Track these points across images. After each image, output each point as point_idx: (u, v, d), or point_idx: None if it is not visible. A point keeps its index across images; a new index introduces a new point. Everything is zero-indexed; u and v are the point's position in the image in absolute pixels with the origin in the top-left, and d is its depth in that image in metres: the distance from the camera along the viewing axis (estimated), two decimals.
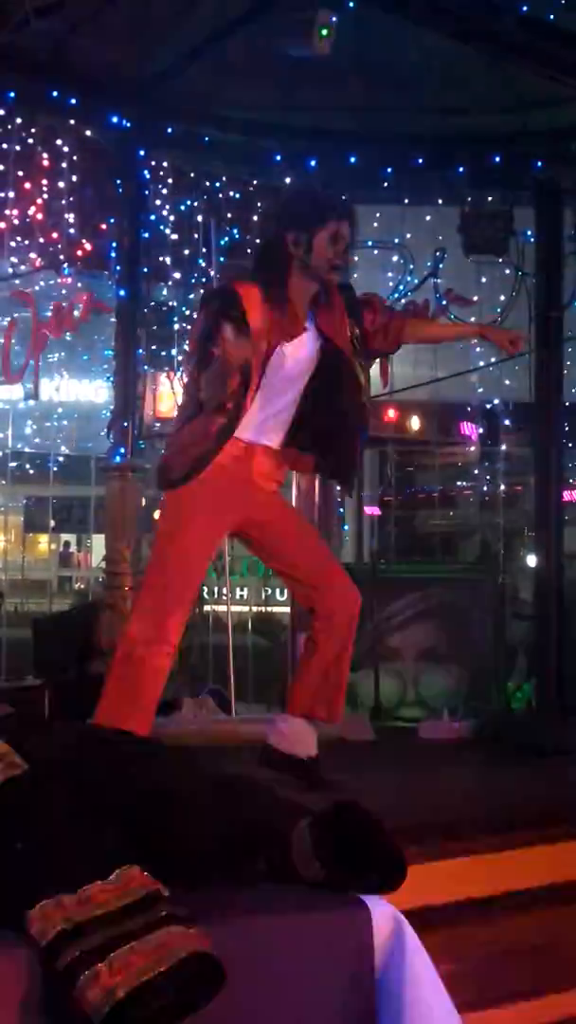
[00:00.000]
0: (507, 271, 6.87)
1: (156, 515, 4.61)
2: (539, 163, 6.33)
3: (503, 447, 9.28)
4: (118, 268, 6.13)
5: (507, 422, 8.84)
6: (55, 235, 6.14)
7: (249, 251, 6.59)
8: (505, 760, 4.76)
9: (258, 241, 6.36)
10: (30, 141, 5.89)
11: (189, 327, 6.86)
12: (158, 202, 6.34)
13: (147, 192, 6.21)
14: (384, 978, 1.97)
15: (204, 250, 6.57)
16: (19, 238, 6.13)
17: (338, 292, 3.84)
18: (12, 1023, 1.70)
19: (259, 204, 6.57)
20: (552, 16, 5.08)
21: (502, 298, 7.00)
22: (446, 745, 5.22)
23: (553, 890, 3.39)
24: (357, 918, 1.99)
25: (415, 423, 10.30)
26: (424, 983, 1.98)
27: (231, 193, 6.54)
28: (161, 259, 6.45)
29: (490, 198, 6.52)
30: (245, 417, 3.63)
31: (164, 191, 6.37)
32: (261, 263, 3.84)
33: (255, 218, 6.59)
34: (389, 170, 6.41)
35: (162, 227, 6.39)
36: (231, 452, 3.64)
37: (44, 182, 6.00)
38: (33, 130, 5.87)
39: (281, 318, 3.65)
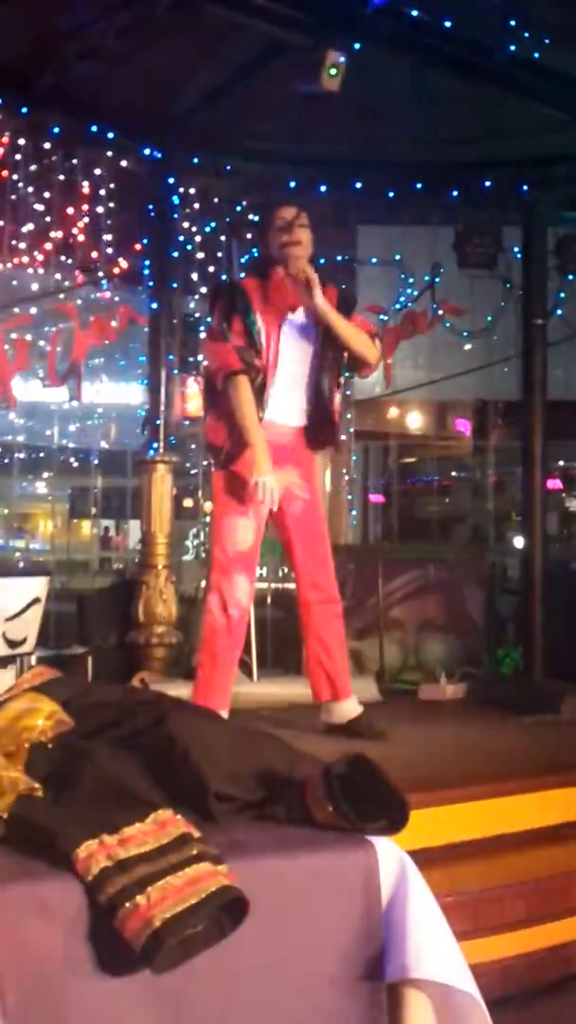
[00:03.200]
0: (497, 284, 6.82)
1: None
2: (525, 187, 6.29)
3: (493, 441, 9.26)
4: (151, 283, 6.11)
5: (497, 418, 8.84)
6: (95, 254, 6.13)
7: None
8: (495, 718, 4.74)
9: None
10: (72, 171, 5.87)
11: None
12: (186, 224, 6.31)
13: (176, 215, 6.18)
14: (390, 910, 1.97)
15: (227, 267, 6.54)
16: (63, 257, 6.11)
17: (335, 290, 3.86)
18: (62, 949, 1.71)
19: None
20: (537, 55, 5.04)
21: (492, 308, 6.95)
22: (443, 705, 5.21)
23: (540, 832, 3.39)
24: (366, 857, 1.98)
25: (414, 419, 10.25)
26: (426, 915, 1.98)
27: (250, 216, 6.50)
28: (189, 275, 6.42)
29: (481, 218, 6.46)
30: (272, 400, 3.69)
31: (191, 214, 6.34)
32: (256, 262, 3.95)
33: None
34: (391, 194, 6.37)
35: (189, 246, 6.36)
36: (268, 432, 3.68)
37: (84, 207, 5.98)
38: (75, 161, 5.85)
39: (276, 302, 3.69)
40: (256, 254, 6.47)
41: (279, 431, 3.78)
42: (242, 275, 4.80)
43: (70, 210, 5.95)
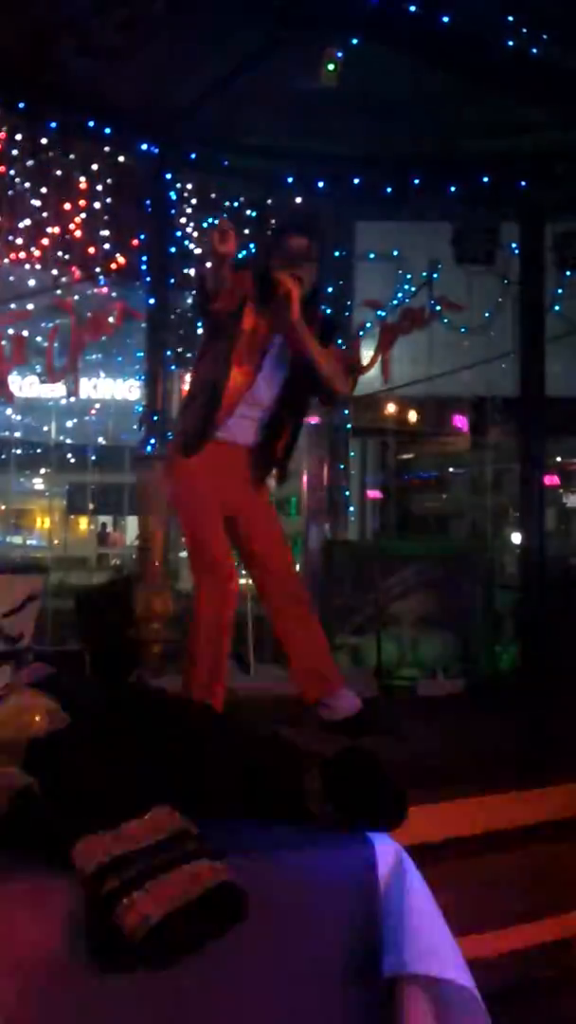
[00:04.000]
0: (495, 280, 6.82)
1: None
2: (523, 183, 6.29)
3: (491, 437, 9.27)
4: (148, 279, 6.11)
5: (495, 414, 8.83)
6: (92, 250, 6.12)
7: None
8: (493, 714, 4.75)
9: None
10: (70, 166, 5.86)
11: None
12: (183, 220, 6.32)
13: (174, 211, 6.19)
14: (387, 906, 1.97)
15: None
16: (60, 253, 6.11)
17: (319, 315, 3.79)
18: (60, 947, 1.71)
19: (273, 221, 6.53)
20: (535, 50, 5.03)
21: (490, 303, 6.96)
22: (441, 701, 5.21)
23: (537, 828, 3.39)
24: (364, 853, 1.98)
25: (412, 415, 10.25)
26: (424, 911, 1.98)
27: (248, 212, 6.50)
28: (186, 271, 6.41)
29: (479, 214, 6.46)
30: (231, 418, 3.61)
31: (189, 210, 6.34)
32: (262, 259, 3.82)
33: (269, 234, 6.56)
34: (389, 190, 6.38)
35: (187, 242, 6.37)
36: (214, 450, 3.61)
37: (82, 203, 5.98)
38: (72, 156, 5.85)
39: (274, 307, 3.58)
40: (254, 251, 6.49)
41: (230, 449, 3.70)
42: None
43: (67, 206, 5.95)
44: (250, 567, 3.90)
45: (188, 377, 6.86)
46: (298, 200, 6.39)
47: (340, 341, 3.89)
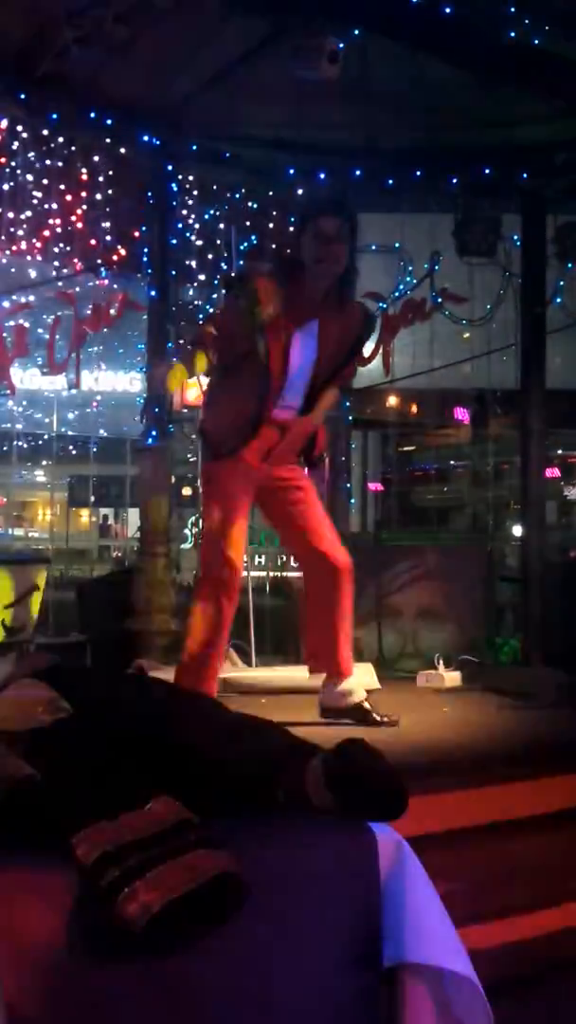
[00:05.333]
0: (496, 271, 6.81)
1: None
2: (524, 174, 6.27)
3: (492, 429, 9.26)
4: (149, 271, 6.10)
5: (496, 407, 8.82)
6: (93, 242, 6.11)
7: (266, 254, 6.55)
8: (493, 706, 4.75)
9: (274, 246, 6.33)
10: (70, 158, 5.84)
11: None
12: (184, 212, 6.30)
13: (175, 203, 6.16)
14: (388, 896, 1.97)
15: (226, 254, 6.52)
16: (62, 245, 6.09)
17: (360, 314, 3.87)
18: (61, 936, 1.71)
19: (274, 212, 6.52)
20: (537, 41, 5.01)
21: (492, 295, 6.94)
22: (441, 692, 5.21)
23: (538, 819, 3.39)
24: (364, 843, 1.98)
25: (413, 408, 10.24)
26: (424, 900, 1.98)
27: (249, 203, 6.48)
28: (188, 263, 6.40)
29: (481, 206, 6.44)
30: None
31: (190, 202, 6.32)
32: (281, 262, 3.84)
33: (271, 225, 6.55)
34: (390, 182, 6.35)
35: (188, 234, 6.35)
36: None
37: (83, 194, 5.96)
38: (73, 148, 5.83)
39: (297, 304, 3.66)
40: (256, 242, 6.48)
41: (274, 429, 3.78)
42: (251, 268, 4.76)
43: (68, 197, 5.93)
44: (293, 541, 3.96)
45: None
46: (299, 191, 6.37)
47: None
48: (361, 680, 4.10)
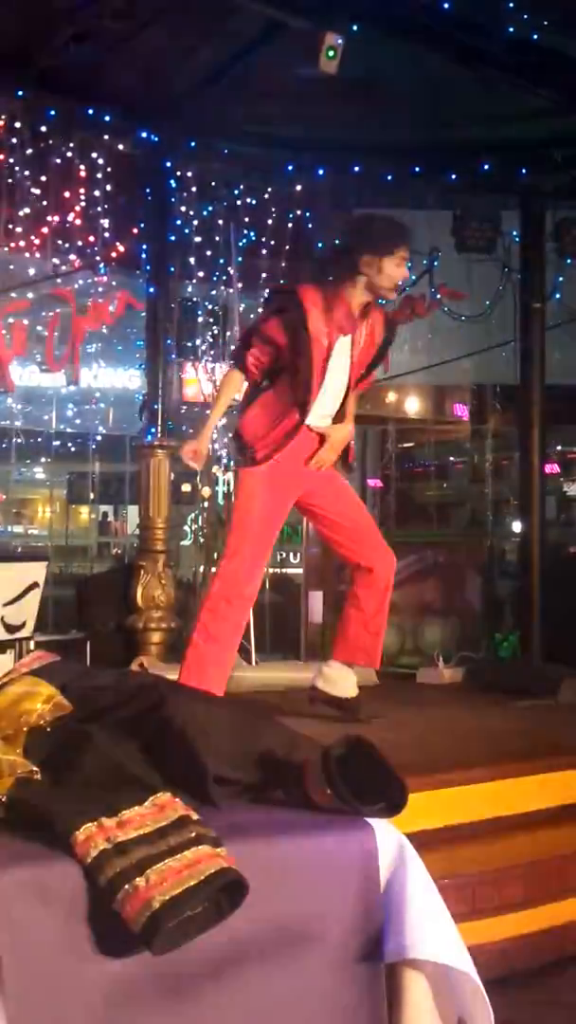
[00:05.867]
0: (495, 267, 6.80)
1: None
2: (523, 170, 6.27)
3: (491, 425, 9.25)
4: (148, 267, 6.09)
5: (495, 403, 8.82)
6: (92, 238, 6.10)
7: (264, 251, 6.54)
8: (493, 701, 4.75)
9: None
10: (69, 154, 5.83)
11: (212, 320, 6.83)
12: (183, 208, 6.28)
13: (173, 199, 6.16)
14: (388, 892, 1.97)
15: (224, 251, 6.52)
16: (60, 241, 6.08)
17: (385, 320, 3.93)
18: (61, 934, 1.71)
19: (273, 209, 6.51)
20: (536, 37, 5.00)
21: (490, 292, 6.94)
22: (441, 689, 5.22)
23: (538, 815, 3.40)
24: (364, 839, 1.98)
25: (412, 404, 10.22)
26: (424, 896, 1.98)
27: (248, 199, 6.47)
28: (187, 259, 6.39)
29: (479, 202, 6.44)
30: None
31: (188, 198, 6.31)
32: (330, 271, 3.88)
33: (269, 222, 6.54)
34: (389, 178, 6.35)
35: (187, 230, 6.33)
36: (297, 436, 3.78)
37: (81, 191, 5.95)
38: (71, 144, 5.81)
39: (338, 316, 3.74)
40: (254, 239, 6.46)
41: (314, 436, 3.85)
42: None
43: (67, 194, 5.92)
44: (339, 538, 4.00)
45: (187, 366, 6.86)
46: (298, 188, 6.37)
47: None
48: (355, 678, 4.11)
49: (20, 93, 5.40)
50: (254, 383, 3.86)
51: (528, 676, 5.25)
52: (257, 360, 3.80)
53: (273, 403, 3.79)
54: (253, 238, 6.59)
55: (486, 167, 6.24)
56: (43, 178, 5.83)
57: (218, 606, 3.76)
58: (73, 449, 9.92)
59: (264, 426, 3.77)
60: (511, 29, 4.90)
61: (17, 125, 5.62)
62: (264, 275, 6.58)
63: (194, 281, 6.65)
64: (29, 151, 5.72)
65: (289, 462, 3.77)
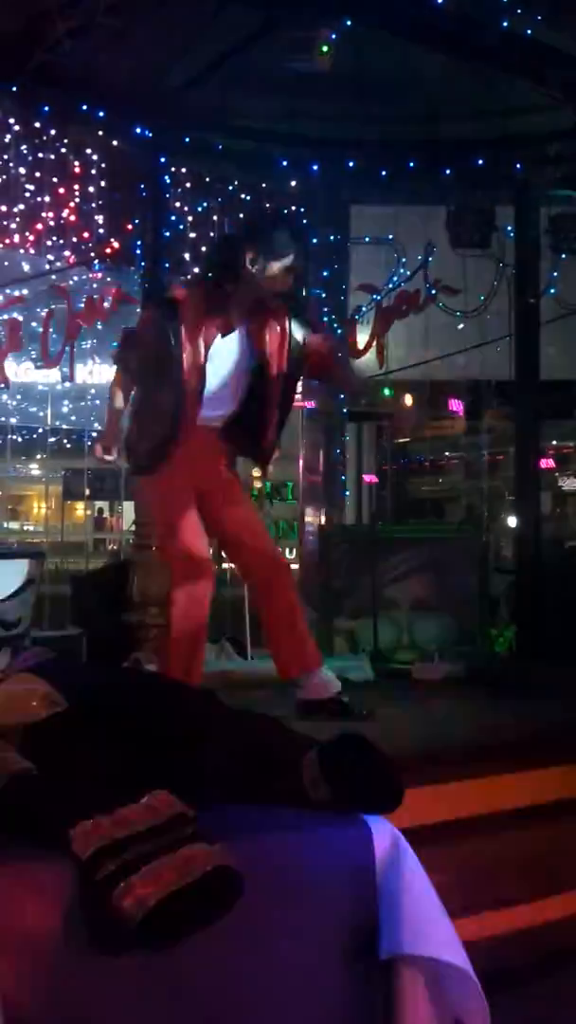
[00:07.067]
0: (490, 263, 6.80)
1: None
2: (518, 165, 6.26)
3: (486, 421, 9.26)
4: (143, 264, 6.08)
5: (491, 398, 8.82)
6: (86, 235, 6.09)
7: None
8: (489, 696, 4.75)
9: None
10: (63, 150, 5.83)
11: None
12: (178, 204, 6.28)
13: (168, 195, 6.15)
14: (384, 887, 1.97)
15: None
16: (54, 238, 6.07)
17: (282, 300, 3.77)
18: (56, 931, 1.71)
19: (267, 204, 6.50)
20: (530, 31, 5.00)
21: (485, 287, 6.94)
22: (436, 684, 5.22)
23: (533, 810, 3.40)
24: (360, 835, 1.99)
25: (407, 400, 10.23)
26: (420, 892, 1.98)
27: (242, 195, 6.47)
28: (181, 255, 6.39)
29: (474, 197, 6.43)
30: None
31: (183, 194, 6.30)
32: (214, 267, 3.80)
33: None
34: (383, 173, 6.35)
35: (181, 226, 6.33)
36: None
37: (76, 187, 5.94)
38: (65, 140, 5.81)
39: (218, 314, 3.63)
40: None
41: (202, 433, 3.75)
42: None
43: (61, 190, 5.91)
44: (227, 545, 3.96)
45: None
46: (292, 183, 6.36)
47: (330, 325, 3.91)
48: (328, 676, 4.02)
49: (14, 89, 5.38)
50: (137, 392, 3.79)
51: (524, 671, 5.25)
52: (132, 361, 3.74)
53: (149, 412, 3.71)
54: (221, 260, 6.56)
55: (480, 162, 6.23)
56: (37, 174, 5.82)
57: (175, 575, 3.83)
58: (68, 445, 9.92)
59: (144, 436, 3.71)
60: (505, 24, 4.89)
61: (11, 121, 5.61)
62: None
63: (188, 277, 6.63)
64: (23, 147, 5.71)
65: (186, 465, 3.68)
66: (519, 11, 4.86)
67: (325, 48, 4.68)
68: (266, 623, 3.90)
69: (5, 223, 5.84)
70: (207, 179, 6.36)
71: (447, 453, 11.48)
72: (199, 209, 6.40)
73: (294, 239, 3.74)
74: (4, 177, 5.73)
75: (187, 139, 6.02)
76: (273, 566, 3.86)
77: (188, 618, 3.79)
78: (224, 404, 3.75)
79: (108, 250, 6.19)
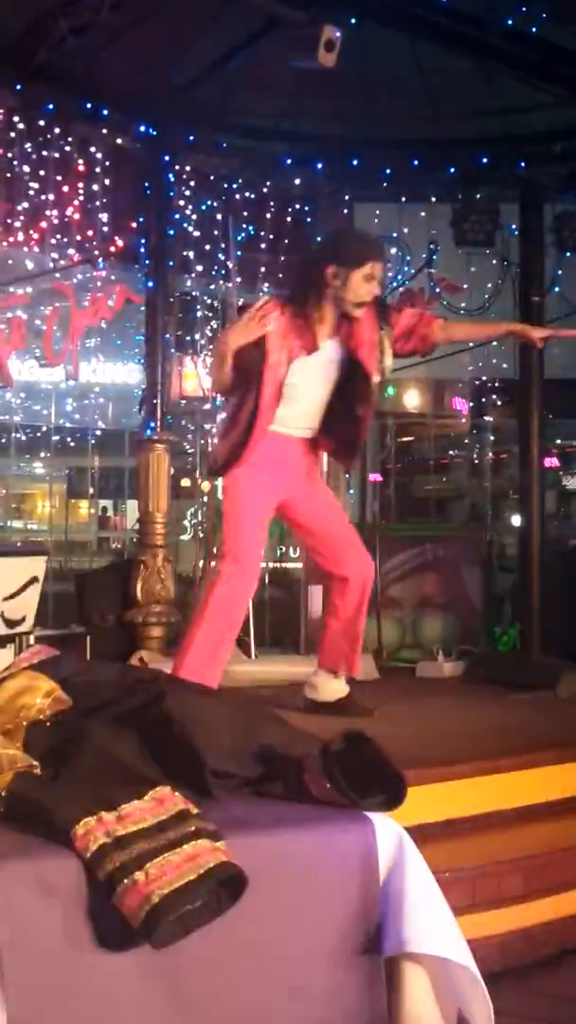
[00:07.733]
0: (494, 261, 6.80)
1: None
2: (523, 163, 6.25)
3: (490, 419, 9.25)
4: (147, 262, 6.07)
5: (494, 397, 8.81)
6: (91, 233, 6.08)
7: (263, 245, 6.53)
8: (492, 695, 4.76)
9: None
10: (67, 148, 5.82)
11: (211, 314, 6.83)
12: (182, 202, 6.27)
13: (172, 193, 6.14)
14: (388, 885, 1.98)
15: (223, 245, 6.50)
16: (59, 236, 6.07)
17: (369, 306, 3.86)
18: (60, 927, 1.71)
19: (271, 203, 6.49)
20: (535, 29, 4.99)
21: (489, 285, 6.93)
22: (440, 682, 5.22)
23: (537, 808, 3.40)
24: (364, 832, 1.99)
25: (412, 398, 10.23)
26: (424, 890, 1.98)
27: (246, 193, 6.46)
28: (185, 253, 6.38)
29: (479, 195, 6.42)
30: (278, 411, 3.76)
31: (187, 192, 6.30)
32: (298, 285, 3.88)
33: (268, 216, 6.53)
34: (388, 171, 6.33)
35: (185, 225, 6.32)
36: (268, 441, 3.76)
37: (80, 185, 5.94)
38: (69, 138, 5.80)
39: (302, 335, 3.74)
40: (252, 233, 6.46)
41: (284, 440, 3.86)
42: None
43: (65, 188, 5.91)
44: (319, 542, 4.02)
45: (186, 360, 6.86)
46: (296, 181, 6.36)
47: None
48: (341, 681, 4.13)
49: (18, 87, 5.38)
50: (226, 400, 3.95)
51: (527, 669, 5.25)
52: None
53: (229, 417, 3.85)
54: (252, 232, 6.57)
55: (485, 160, 6.22)
56: (41, 172, 5.82)
57: (220, 574, 3.83)
58: (72, 444, 9.92)
59: (224, 443, 3.83)
60: (510, 21, 4.89)
61: (15, 119, 5.61)
62: (263, 269, 6.57)
63: (193, 275, 6.64)
64: (27, 145, 5.70)
65: (266, 470, 3.79)
66: (524, 9, 4.85)
67: (330, 46, 4.66)
68: (333, 612, 4.01)
69: (9, 221, 5.83)
70: (211, 177, 6.35)
71: (451, 451, 11.46)
72: (203, 207, 6.39)
73: (370, 246, 3.83)
74: (8, 175, 5.72)
75: (191, 137, 6.01)
76: (369, 567, 4.02)
77: (226, 612, 3.84)
78: (314, 418, 3.87)
79: (112, 248, 6.19)
